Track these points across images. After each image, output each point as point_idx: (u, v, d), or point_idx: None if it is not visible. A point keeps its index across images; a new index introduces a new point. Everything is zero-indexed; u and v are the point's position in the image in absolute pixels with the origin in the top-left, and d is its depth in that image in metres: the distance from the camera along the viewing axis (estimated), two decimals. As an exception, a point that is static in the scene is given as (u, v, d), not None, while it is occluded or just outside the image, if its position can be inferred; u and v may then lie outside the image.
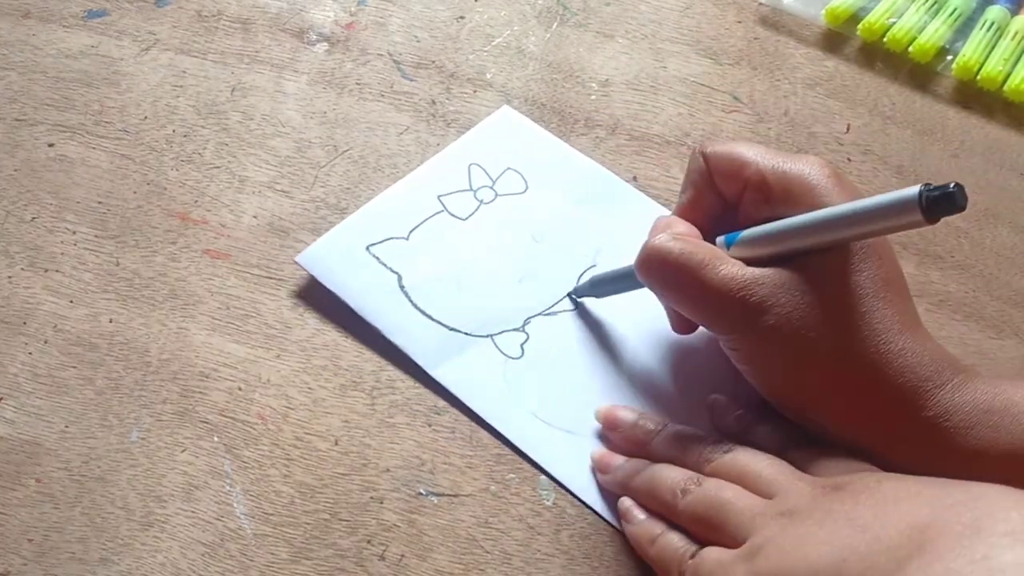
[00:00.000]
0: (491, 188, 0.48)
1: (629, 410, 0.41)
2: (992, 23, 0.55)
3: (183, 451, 0.41)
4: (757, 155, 0.38)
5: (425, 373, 0.43)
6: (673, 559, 0.36)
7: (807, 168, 0.37)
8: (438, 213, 0.47)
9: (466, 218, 0.47)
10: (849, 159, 0.51)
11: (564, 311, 0.45)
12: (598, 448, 0.41)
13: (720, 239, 0.39)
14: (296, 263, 0.46)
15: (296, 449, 0.41)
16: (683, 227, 0.39)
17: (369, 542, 0.39)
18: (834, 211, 0.34)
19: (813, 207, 0.36)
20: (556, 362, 0.44)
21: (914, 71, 0.55)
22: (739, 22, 0.57)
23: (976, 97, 0.54)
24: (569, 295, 0.46)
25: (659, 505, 0.37)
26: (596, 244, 0.47)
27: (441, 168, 0.49)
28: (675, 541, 0.36)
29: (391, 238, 0.46)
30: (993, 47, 0.55)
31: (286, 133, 0.51)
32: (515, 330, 0.44)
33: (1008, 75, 0.54)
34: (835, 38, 0.56)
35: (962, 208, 0.30)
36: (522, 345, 0.44)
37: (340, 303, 0.45)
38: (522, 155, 0.50)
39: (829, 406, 0.37)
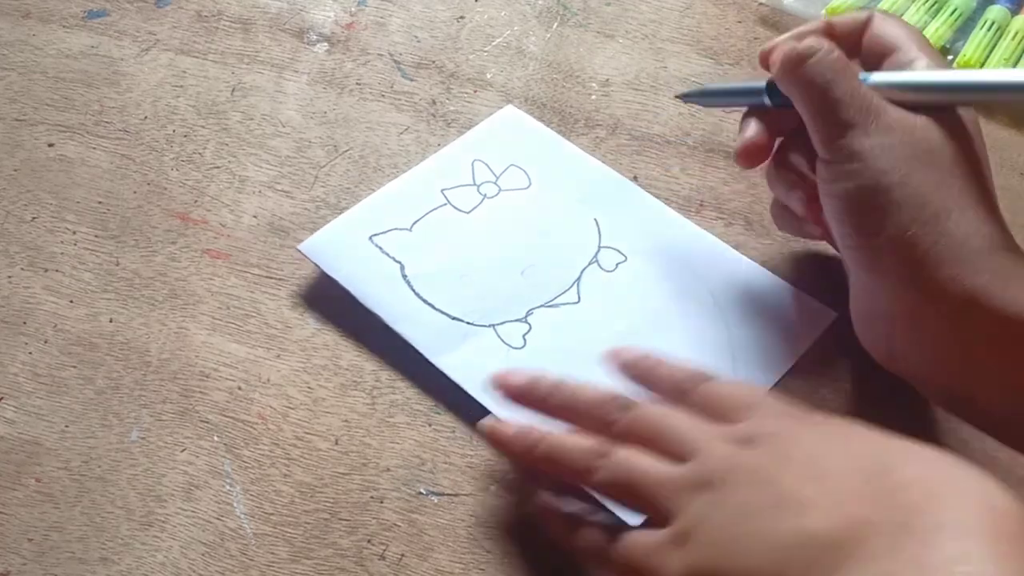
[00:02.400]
0: (494, 183, 0.49)
1: (521, 371, 0.39)
2: (992, 23, 0.55)
3: (183, 451, 0.41)
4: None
5: (426, 372, 0.43)
6: (597, 552, 0.35)
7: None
8: (441, 206, 0.48)
9: (469, 211, 0.48)
10: (849, 159, 0.51)
11: (567, 304, 0.45)
12: (486, 420, 0.39)
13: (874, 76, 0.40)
14: (298, 251, 0.45)
15: (296, 449, 0.41)
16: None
17: (369, 542, 0.39)
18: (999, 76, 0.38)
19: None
20: (558, 353, 0.43)
21: (914, 71, 0.55)
22: (739, 22, 0.57)
23: (976, 97, 0.54)
24: (679, 96, 0.47)
25: (563, 474, 0.36)
26: (598, 239, 0.47)
27: (445, 163, 0.49)
28: (594, 534, 0.35)
29: (394, 229, 0.46)
30: (993, 47, 0.55)
31: (286, 133, 0.51)
32: (517, 320, 0.44)
33: (1008, 75, 0.54)
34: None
35: None
36: (524, 336, 0.44)
37: (341, 303, 0.45)
38: (526, 152, 0.50)
39: (901, 257, 0.37)
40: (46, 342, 0.44)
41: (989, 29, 0.55)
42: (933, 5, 0.56)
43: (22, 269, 0.46)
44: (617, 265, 0.46)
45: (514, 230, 0.47)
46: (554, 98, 0.53)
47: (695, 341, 0.44)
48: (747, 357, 0.43)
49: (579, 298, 0.45)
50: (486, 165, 0.49)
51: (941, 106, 0.38)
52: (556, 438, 0.36)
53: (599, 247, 0.47)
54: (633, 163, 0.50)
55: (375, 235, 0.46)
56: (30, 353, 0.43)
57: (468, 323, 0.44)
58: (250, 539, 0.39)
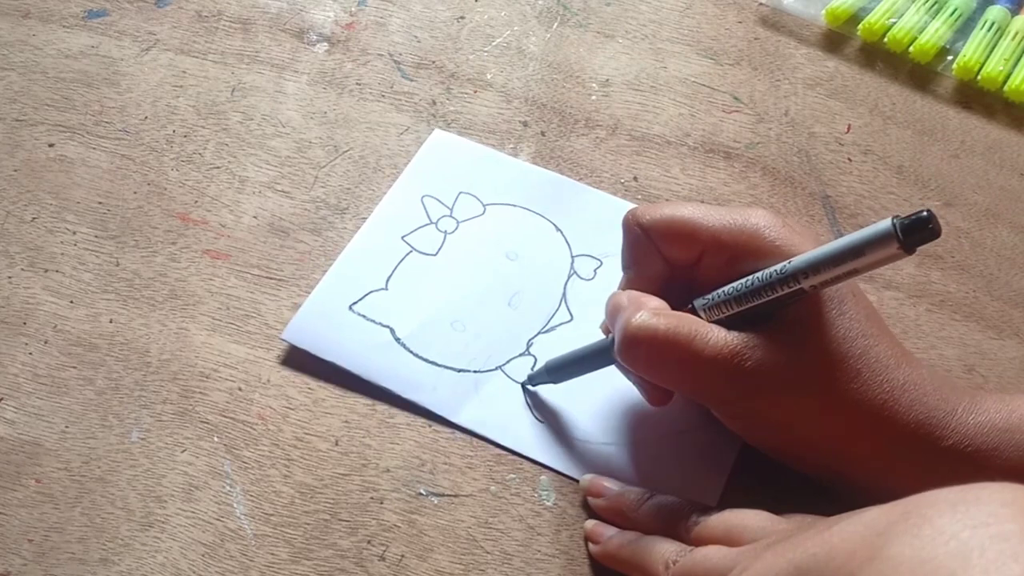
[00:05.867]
0: (450, 216, 0.47)
1: (613, 481, 0.40)
2: (992, 23, 0.55)
3: (183, 451, 0.41)
4: (703, 216, 0.37)
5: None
6: None
7: (761, 221, 0.36)
8: (408, 255, 0.46)
9: (436, 253, 0.46)
10: (849, 159, 0.51)
11: (561, 324, 0.45)
12: (590, 520, 0.40)
13: (699, 303, 0.37)
14: (283, 340, 0.44)
15: (296, 449, 0.41)
16: (655, 301, 0.37)
17: (369, 542, 0.39)
18: (811, 256, 0.34)
19: (778, 259, 0.35)
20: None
21: (914, 71, 0.55)
22: (739, 22, 0.57)
23: (976, 97, 0.54)
24: (522, 385, 0.43)
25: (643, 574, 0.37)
26: (568, 248, 0.47)
27: (395, 208, 0.48)
28: None
29: (370, 292, 0.45)
30: (993, 47, 0.55)
31: (286, 133, 0.51)
32: (521, 355, 0.44)
33: (1008, 75, 0.54)
34: (835, 38, 0.56)
35: (938, 234, 0.30)
36: (532, 369, 0.43)
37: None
38: (468, 175, 0.49)
39: (847, 455, 0.36)
40: (46, 343, 0.44)
41: (989, 29, 0.55)
42: (933, 5, 0.56)
43: (22, 269, 0.46)
44: (595, 271, 0.46)
45: (485, 261, 0.46)
46: (554, 98, 0.53)
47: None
48: None
49: (571, 315, 0.45)
50: (436, 199, 0.48)
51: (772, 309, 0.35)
52: (646, 538, 0.37)
53: (572, 257, 0.47)
54: (633, 163, 0.50)
55: (354, 304, 0.44)
56: (30, 354, 0.43)
57: (475, 371, 0.43)
58: (250, 540, 0.39)
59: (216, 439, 0.41)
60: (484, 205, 0.48)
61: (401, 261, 0.46)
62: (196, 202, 0.48)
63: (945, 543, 0.24)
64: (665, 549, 0.36)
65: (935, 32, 0.55)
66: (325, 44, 0.55)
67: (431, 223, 0.47)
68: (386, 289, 0.45)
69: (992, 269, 0.47)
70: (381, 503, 0.40)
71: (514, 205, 0.48)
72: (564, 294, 0.45)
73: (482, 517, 0.40)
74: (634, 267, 0.39)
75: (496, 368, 0.43)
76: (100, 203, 0.48)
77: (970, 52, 0.54)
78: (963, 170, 0.51)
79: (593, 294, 0.45)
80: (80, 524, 0.39)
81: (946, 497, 0.26)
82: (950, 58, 0.55)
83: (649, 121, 0.52)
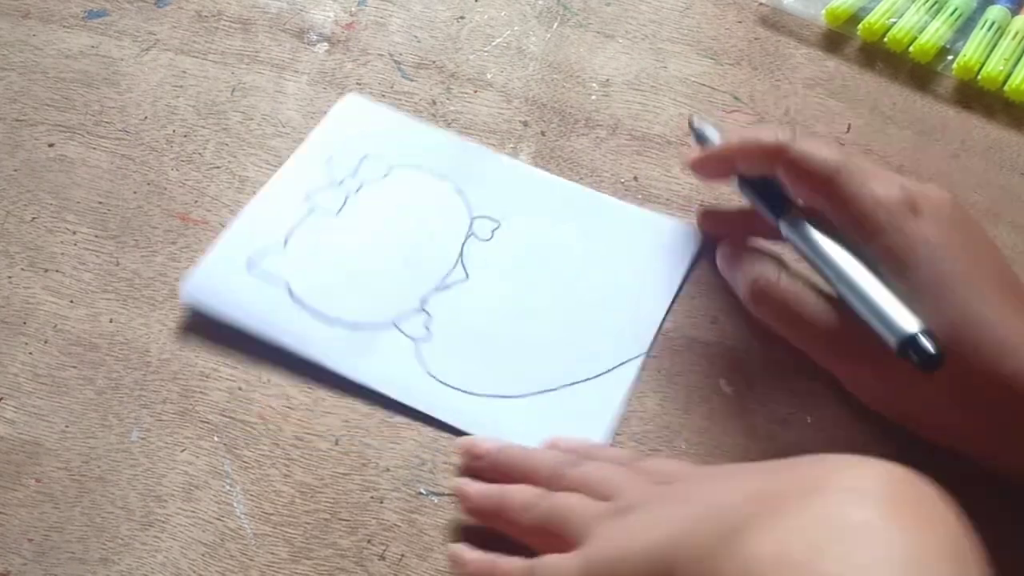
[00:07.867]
0: (354, 177, 0.48)
1: (490, 440, 0.41)
2: (993, 23, 0.55)
3: (183, 451, 0.41)
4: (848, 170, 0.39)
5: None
6: None
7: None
8: (310, 213, 0.47)
9: (338, 213, 0.47)
10: (849, 159, 0.51)
11: (457, 283, 0.45)
12: (457, 479, 0.40)
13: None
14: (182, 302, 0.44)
15: (296, 449, 0.41)
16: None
17: (369, 542, 0.39)
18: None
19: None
20: (465, 334, 0.44)
21: (914, 71, 0.55)
22: (739, 22, 0.57)
23: (977, 97, 0.54)
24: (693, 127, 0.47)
25: (506, 523, 0.37)
26: (467, 209, 0.47)
27: (301, 168, 0.49)
28: (513, 561, 0.36)
29: (269, 249, 0.45)
30: (994, 47, 0.55)
31: (286, 133, 0.51)
32: (416, 312, 0.44)
33: (1009, 75, 0.54)
34: (835, 38, 0.56)
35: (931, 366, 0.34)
36: (427, 326, 0.44)
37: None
38: (376, 139, 0.50)
39: (959, 430, 0.38)
40: (46, 342, 0.44)
41: (989, 29, 0.55)
42: (933, 5, 0.56)
43: (22, 269, 0.46)
44: (493, 232, 0.47)
45: (385, 220, 0.47)
46: (554, 98, 0.53)
47: (586, 289, 0.46)
48: (636, 292, 0.45)
49: (467, 274, 0.46)
50: (342, 160, 0.49)
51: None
52: (508, 487, 0.38)
53: (471, 218, 0.47)
54: (633, 163, 0.50)
55: (251, 261, 0.45)
56: (30, 353, 0.43)
57: (370, 326, 0.43)
58: (250, 539, 0.39)
59: (216, 439, 0.41)
60: (389, 167, 0.49)
61: (303, 220, 0.46)
62: (196, 202, 0.48)
63: (801, 535, 0.26)
64: (524, 494, 0.37)
65: (935, 32, 0.55)
66: (325, 44, 0.55)
67: (336, 183, 0.48)
68: (284, 246, 0.46)
69: (992, 269, 0.47)
70: (381, 502, 0.40)
71: (419, 167, 0.49)
72: (461, 253, 0.46)
73: (482, 517, 0.40)
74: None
75: (390, 323, 0.44)
76: (100, 203, 0.48)
77: (970, 52, 0.54)
78: (963, 170, 0.51)
79: (490, 254, 0.46)
80: (80, 524, 0.39)
81: (800, 485, 0.28)
82: (950, 58, 0.55)
83: (649, 121, 0.52)
